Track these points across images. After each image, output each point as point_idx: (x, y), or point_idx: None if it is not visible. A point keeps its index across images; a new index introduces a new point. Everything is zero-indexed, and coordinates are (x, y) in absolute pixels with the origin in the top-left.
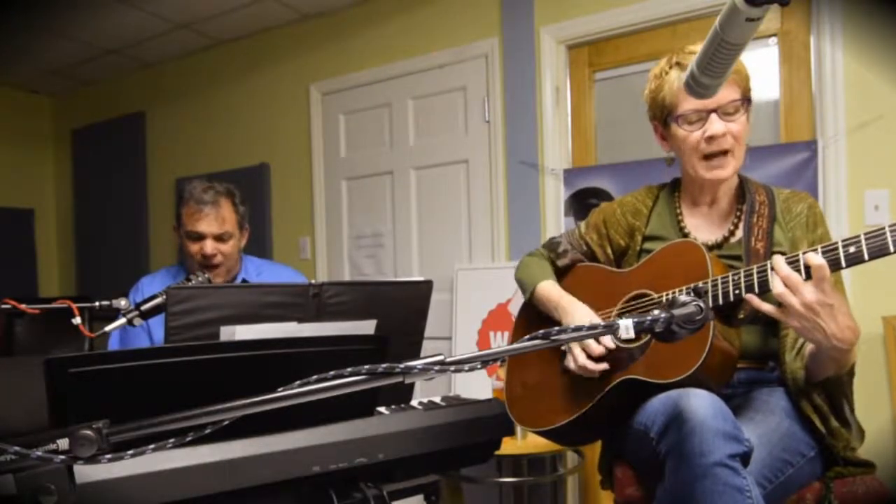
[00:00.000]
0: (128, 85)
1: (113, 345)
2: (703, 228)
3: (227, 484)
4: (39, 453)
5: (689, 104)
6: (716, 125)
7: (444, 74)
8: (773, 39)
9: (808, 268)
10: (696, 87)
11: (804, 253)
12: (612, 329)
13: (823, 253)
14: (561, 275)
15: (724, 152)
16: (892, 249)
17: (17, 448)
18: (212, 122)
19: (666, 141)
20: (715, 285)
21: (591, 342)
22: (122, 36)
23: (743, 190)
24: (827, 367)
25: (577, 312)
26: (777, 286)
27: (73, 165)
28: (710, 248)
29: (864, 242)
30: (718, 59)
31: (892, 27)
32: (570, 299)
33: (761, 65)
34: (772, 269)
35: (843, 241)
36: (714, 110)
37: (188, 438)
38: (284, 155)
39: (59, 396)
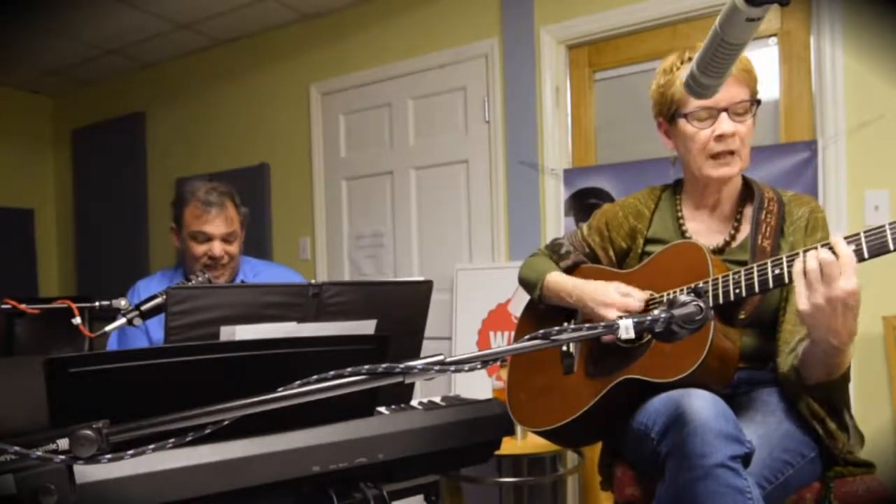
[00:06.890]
0: (128, 85)
1: (111, 346)
2: (704, 233)
3: (227, 484)
4: (39, 453)
5: (700, 101)
6: (725, 124)
7: (444, 74)
8: (773, 39)
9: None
10: (695, 87)
11: (822, 245)
12: (612, 329)
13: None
14: None
15: (731, 152)
16: (891, 247)
17: (17, 448)
18: (212, 122)
19: (670, 138)
20: (715, 284)
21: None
22: (122, 36)
23: (749, 191)
24: (817, 368)
25: (598, 287)
26: (810, 263)
27: (73, 165)
28: (712, 253)
29: (863, 240)
30: (718, 60)
31: (892, 27)
32: (585, 280)
33: (761, 65)
34: (805, 251)
35: (845, 238)
36: (725, 109)
37: (188, 438)
38: (284, 155)
39: (59, 396)
